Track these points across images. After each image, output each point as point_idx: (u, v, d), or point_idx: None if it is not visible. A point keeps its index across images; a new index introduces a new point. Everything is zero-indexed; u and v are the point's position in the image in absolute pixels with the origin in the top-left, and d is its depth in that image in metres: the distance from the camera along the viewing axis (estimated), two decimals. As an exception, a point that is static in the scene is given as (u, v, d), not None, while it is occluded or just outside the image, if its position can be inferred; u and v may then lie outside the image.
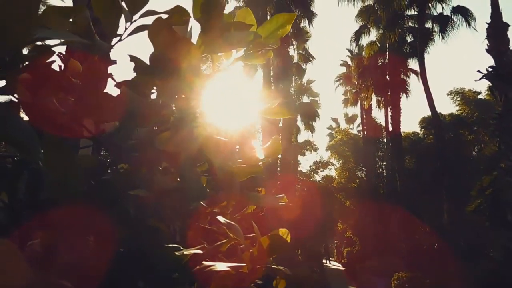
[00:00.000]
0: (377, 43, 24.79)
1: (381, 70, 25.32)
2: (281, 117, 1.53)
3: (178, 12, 1.07)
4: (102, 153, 1.34)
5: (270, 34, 1.31)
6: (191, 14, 1.22)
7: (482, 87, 39.52)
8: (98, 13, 0.93)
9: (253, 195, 1.03)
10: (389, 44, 23.56)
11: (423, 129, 26.01)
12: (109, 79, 1.03)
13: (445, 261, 14.71)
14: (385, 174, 27.80)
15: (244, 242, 0.89)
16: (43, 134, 0.89)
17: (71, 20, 0.98)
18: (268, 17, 16.98)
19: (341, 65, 33.39)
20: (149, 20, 1.02)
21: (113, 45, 0.97)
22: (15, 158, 1.03)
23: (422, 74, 20.20)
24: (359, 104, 29.95)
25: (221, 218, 0.91)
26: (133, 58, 1.14)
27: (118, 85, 1.12)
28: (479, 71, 14.86)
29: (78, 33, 0.98)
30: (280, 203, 1.03)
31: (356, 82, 28.53)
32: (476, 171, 18.88)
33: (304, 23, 24.40)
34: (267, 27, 1.30)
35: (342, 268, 28.46)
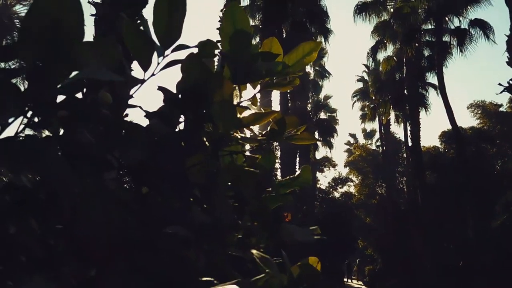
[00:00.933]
0: (394, 57, 24.69)
1: (399, 84, 25.14)
2: (308, 143, 1.53)
3: (208, 45, 1.09)
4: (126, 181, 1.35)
5: (296, 62, 1.32)
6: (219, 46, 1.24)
7: (504, 99, 38.76)
8: (131, 50, 0.95)
9: (285, 228, 1.02)
10: (406, 59, 23.43)
11: (443, 143, 25.60)
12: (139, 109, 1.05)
13: (471, 279, 14.28)
14: (405, 190, 27.35)
15: (278, 275, 0.88)
16: (79, 168, 0.91)
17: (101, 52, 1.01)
18: (284, 35, 17.01)
19: (358, 80, 33.36)
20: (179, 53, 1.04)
21: (146, 80, 0.99)
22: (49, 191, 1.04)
23: (441, 88, 19.98)
24: (377, 119, 29.73)
25: (254, 252, 0.90)
26: (162, 89, 1.16)
27: (148, 115, 1.14)
28: (500, 84, 14.64)
29: (110, 66, 1.00)
30: (314, 237, 1.02)
31: (373, 97, 28.36)
32: (500, 185, 18.42)
33: (320, 40, 24.50)
34: (294, 55, 1.31)
35: (363, 287, 27.88)
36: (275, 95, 22.56)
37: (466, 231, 18.89)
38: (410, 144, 23.88)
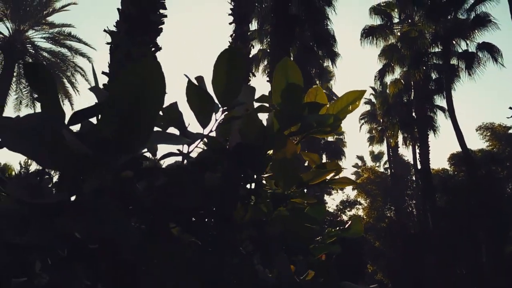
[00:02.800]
0: (402, 80, 24.78)
1: (407, 107, 25.16)
2: (347, 186, 1.52)
3: (263, 101, 1.11)
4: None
5: (341, 110, 1.33)
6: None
7: (512, 121, 38.52)
8: (193, 108, 0.96)
9: (346, 286, 1.00)
10: (414, 82, 23.51)
11: (452, 166, 25.39)
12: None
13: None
14: (415, 213, 27.02)
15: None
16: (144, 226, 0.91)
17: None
18: (292, 58, 17.11)
19: (365, 103, 33.45)
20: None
21: (205, 136, 0.99)
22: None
23: (450, 111, 19.95)
24: (385, 141, 29.66)
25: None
26: (213, 141, 1.17)
27: (199, 167, 1.15)
28: (511, 108, 14.60)
29: (170, 125, 1.01)
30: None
31: (381, 120, 28.35)
32: (513, 209, 18.15)
33: (327, 63, 24.69)
34: (339, 104, 1.32)
35: (374, 313, 27.23)
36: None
37: (479, 255, 18.54)
38: (419, 166, 23.72)
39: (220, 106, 1.00)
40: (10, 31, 22.91)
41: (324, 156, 28.81)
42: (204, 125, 1.00)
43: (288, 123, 1.16)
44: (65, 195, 0.70)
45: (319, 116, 1.16)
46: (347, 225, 1.21)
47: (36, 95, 0.78)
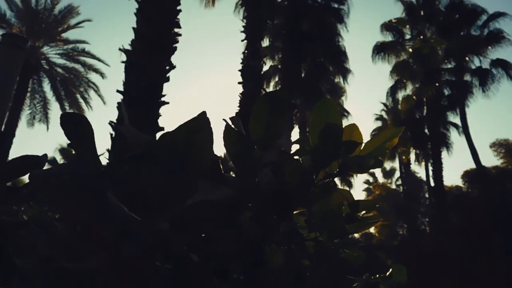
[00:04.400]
0: (414, 96, 24.65)
1: (419, 123, 24.97)
2: (379, 223, 1.45)
3: (301, 142, 1.06)
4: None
5: (377, 148, 1.27)
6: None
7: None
8: (230, 154, 0.91)
9: None
10: (427, 98, 23.38)
11: (466, 183, 25.06)
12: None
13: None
14: (428, 230, 26.60)
15: None
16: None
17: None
18: (303, 75, 17.07)
19: (377, 119, 33.31)
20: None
21: (246, 180, 0.94)
22: None
23: (464, 127, 19.76)
24: (397, 158, 29.39)
25: None
26: (249, 186, 1.11)
27: (230, 216, 1.09)
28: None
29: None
30: None
31: (393, 136, 28.11)
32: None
33: (338, 79, 24.69)
34: (375, 141, 1.26)
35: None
36: (294, 134, 22.49)
37: (495, 275, 18.11)
38: (432, 183, 23.42)
39: (259, 151, 0.95)
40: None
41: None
42: (241, 170, 0.94)
43: (325, 164, 1.10)
44: (102, 259, 0.65)
45: (360, 157, 1.10)
46: (388, 273, 1.14)
47: (71, 144, 0.73)
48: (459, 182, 26.00)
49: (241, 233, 1.00)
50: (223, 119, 0.87)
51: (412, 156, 26.89)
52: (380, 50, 23.87)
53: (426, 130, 24.54)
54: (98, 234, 0.64)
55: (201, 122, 0.65)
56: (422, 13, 23.25)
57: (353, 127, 1.28)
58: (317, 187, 1.10)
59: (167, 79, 6.94)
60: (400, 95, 25.43)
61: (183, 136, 0.65)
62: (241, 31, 15.40)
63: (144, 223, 0.62)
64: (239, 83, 14.48)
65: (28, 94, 23.80)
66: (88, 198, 0.69)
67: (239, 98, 14.22)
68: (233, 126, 0.94)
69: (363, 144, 1.28)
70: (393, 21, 24.23)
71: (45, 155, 1.06)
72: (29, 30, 23.34)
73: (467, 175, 24.51)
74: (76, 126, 0.70)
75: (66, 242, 0.71)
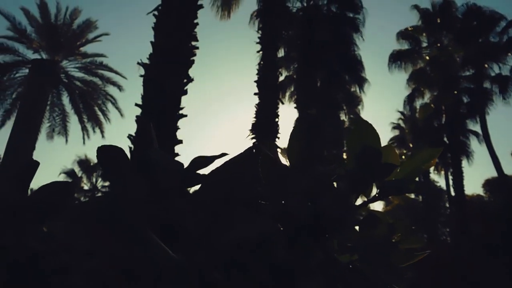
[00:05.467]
0: (432, 104, 24.34)
1: (438, 132, 24.60)
2: (415, 246, 1.40)
3: (337, 166, 1.01)
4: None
5: (415, 169, 1.22)
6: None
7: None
8: (265, 179, 0.87)
9: None
10: (445, 106, 23.06)
11: (488, 192, 24.52)
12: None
13: None
14: (449, 241, 26.06)
15: None
16: None
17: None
18: (318, 84, 16.94)
19: (394, 127, 32.91)
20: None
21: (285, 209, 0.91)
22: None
23: (485, 135, 19.40)
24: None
25: None
26: (285, 213, 1.07)
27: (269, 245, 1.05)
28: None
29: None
30: None
31: (411, 145, 27.79)
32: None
33: (354, 88, 24.53)
34: (412, 162, 1.20)
35: None
36: (311, 144, 22.37)
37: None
38: (452, 193, 22.99)
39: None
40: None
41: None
42: (277, 196, 0.90)
43: (363, 188, 1.06)
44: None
45: (401, 182, 1.05)
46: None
47: (106, 176, 0.70)
48: (480, 191, 25.42)
49: (275, 262, 0.96)
50: (259, 145, 0.83)
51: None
52: (396, 58, 23.68)
53: (445, 139, 24.16)
54: (137, 273, 0.61)
55: (248, 158, 0.61)
56: (438, 20, 23.03)
57: (389, 149, 1.23)
58: (353, 212, 1.05)
59: (185, 92, 6.97)
60: (418, 103, 25.16)
61: (229, 171, 0.62)
62: (257, 42, 15.47)
63: (185, 264, 0.58)
64: (255, 94, 14.51)
65: (48, 108, 24.21)
66: (126, 234, 0.66)
67: (255, 109, 14.23)
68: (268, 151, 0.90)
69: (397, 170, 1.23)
70: (409, 29, 24.05)
71: (74, 182, 1.03)
72: (49, 44, 23.83)
73: (488, 184, 23.99)
74: (113, 159, 0.67)
75: (101, 280, 0.68)
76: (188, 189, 0.85)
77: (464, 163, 23.05)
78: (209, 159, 0.88)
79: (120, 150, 0.69)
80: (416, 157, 1.22)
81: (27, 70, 23.53)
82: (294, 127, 0.88)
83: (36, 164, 0.94)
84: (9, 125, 23.64)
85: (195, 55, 7.33)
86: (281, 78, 23.31)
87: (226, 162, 0.65)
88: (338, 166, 1.00)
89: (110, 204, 0.70)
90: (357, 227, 1.17)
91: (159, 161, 0.92)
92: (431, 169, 27.32)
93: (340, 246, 1.08)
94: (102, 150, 0.68)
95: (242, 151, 0.64)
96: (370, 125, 1.01)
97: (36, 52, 23.73)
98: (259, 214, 0.81)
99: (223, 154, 0.88)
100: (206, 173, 0.92)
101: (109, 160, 0.68)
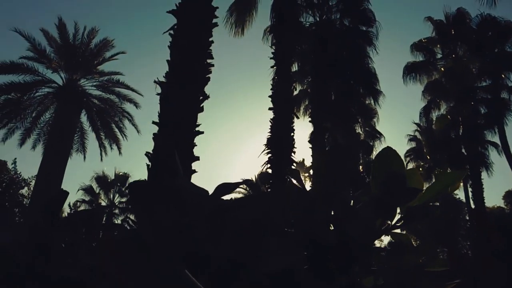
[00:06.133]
0: (448, 116, 24.06)
1: (455, 143, 24.26)
2: (440, 269, 1.38)
3: (362, 193, 1.02)
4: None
5: (439, 191, 1.22)
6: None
7: None
8: (293, 210, 0.88)
9: None
10: (462, 117, 22.78)
11: (508, 204, 23.98)
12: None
13: None
14: (470, 255, 25.46)
15: None
16: None
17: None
18: (333, 97, 16.91)
19: (410, 139, 32.55)
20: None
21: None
22: None
23: (504, 146, 19.06)
24: (433, 179, 28.51)
25: None
26: (312, 240, 1.07)
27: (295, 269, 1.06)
28: None
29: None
30: None
31: (428, 157, 27.43)
32: None
33: (369, 101, 24.41)
34: (437, 185, 1.20)
35: None
36: (327, 158, 22.24)
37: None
38: (472, 205, 22.53)
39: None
40: (64, 80, 24.33)
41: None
42: (304, 224, 0.91)
43: (389, 214, 1.06)
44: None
45: (426, 208, 1.05)
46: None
47: (136, 212, 0.72)
48: (500, 202, 24.87)
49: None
50: (286, 176, 0.84)
51: (450, 177, 25.98)
52: (411, 70, 23.56)
53: (463, 150, 23.81)
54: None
55: (278, 195, 0.62)
56: (453, 32, 22.91)
57: (413, 172, 1.23)
58: (378, 238, 1.05)
59: (201, 109, 7.03)
60: (434, 115, 24.91)
61: (257, 201, 0.63)
62: (270, 58, 15.55)
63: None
64: (269, 109, 14.54)
65: (52, 117, 24.60)
66: (158, 267, 0.67)
67: (270, 124, 14.24)
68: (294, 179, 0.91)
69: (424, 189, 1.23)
70: (423, 41, 23.95)
71: (102, 210, 1.05)
72: (67, 64, 24.38)
73: (509, 196, 23.50)
74: (144, 195, 0.69)
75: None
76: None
77: (484, 174, 22.65)
78: (233, 186, 0.89)
79: (152, 185, 0.71)
80: (441, 180, 1.22)
81: (46, 90, 24.09)
82: (318, 159, 0.89)
83: (65, 194, 0.96)
84: (29, 143, 24.14)
85: (210, 72, 7.41)
86: (295, 92, 23.38)
87: (253, 195, 0.66)
88: (363, 192, 1.00)
89: (141, 237, 0.72)
90: (381, 252, 1.16)
91: (186, 189, 0.94)
92: (450, 181, 26.84)
93: (363, 269, 1.08)
94: (133, 186, 0.70)
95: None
96: (394, 151, 1.01)
97: (55, 71, 24.28)
98: (287, 242, 0.82)
99: (246, 181, 0.88)
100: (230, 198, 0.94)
101: (139, 196, 0.70)
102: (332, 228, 0.94)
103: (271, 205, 0.67)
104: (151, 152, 6.59)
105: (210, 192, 1.00)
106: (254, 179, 41.94)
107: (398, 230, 1.12)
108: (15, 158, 23.19)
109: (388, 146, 1.03)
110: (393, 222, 1.16)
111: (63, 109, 23.24)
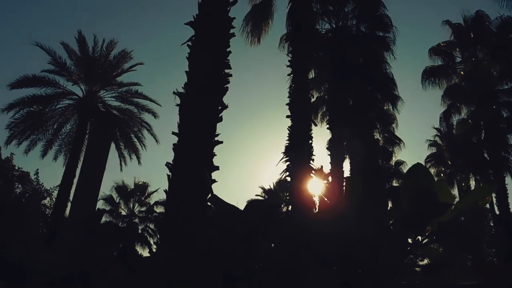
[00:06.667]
0: (469, 120, 23.64)
1: (477, 148, 23.78)
2: (468, 283, 1.35)
3: (392, 209, 1.02)
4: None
5: (470, 205, 1.20)
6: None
7: None
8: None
9: None
10: (484, 121, 22.35)
11: (534, 209, 23.30)
12: None
13: None
14: (496, 262, 24.82)
15: None
16: None
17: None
18: (351, 102, 16.78)
19: (430, 145, 32.07)
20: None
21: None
22: None
23: (527, 150, 18.59)
24: (455, 185, 27.98)
25: None
26: (342, 256, 1.07)
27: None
28: None
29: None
30: None
31: (449, 162, 26.95)
32: None
33: (387, 106, 24.17)
34: (468, 200, 1.19)
35: None
36: (345, 165, 22.09)
37: None
38: (497, 211, 22.01)
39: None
40: (84, 92, 24.80)
41: (390, 202, 27.57)
42: (338, 243, 0.91)
43: (420, 230, 1.04)
44: None
45: (459, 223, 1.03)
46: None
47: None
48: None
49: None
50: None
51: (472, 183, 25.52)
52: (429, 75, 23.28)
53: (485, 155, 23.32)
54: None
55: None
56: (472, 35, 22.59)
57: (441, 186, 1.21)
58: (410, 254, 1.04)
59: (220, 119, 7.08)
60: (454, 119, 24.51)
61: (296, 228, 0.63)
62: (287, 66, 15.56)
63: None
64: (287, 116, 14.52)
65: (87, 136, 25.05)
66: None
67: (288, 132, 14.22)
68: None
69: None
70: (442, 45, 23.67)
71: (136, 226, 1.07)
72: (87, 76, 24.86)
73: (534, 201, 22.79)
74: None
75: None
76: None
77: (508, 179, 22.11)
78: (262, 203, 0.89)
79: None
80: (471, 194, 1.20)
81: (67, 101, 24.59)
82: (352, 174, 0.89)
83: (102, 213, 0.98)
84: (50, 154, 24.61)
85: (228, 82, 7.46)
86: (313, 99, 23.30)
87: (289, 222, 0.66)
88: (395, 209, 0.99)
89: (177, 267, 0.72)
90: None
91: (217, 207, 0.95)
92: (472, 186, 26.33)
93: (392, 283, 1.07)
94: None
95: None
96: (424, 167, 1.00)
97: (75, 83, 24.77)
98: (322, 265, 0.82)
99: (278, 202, 0.88)
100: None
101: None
102: (366, 245, 0.93)
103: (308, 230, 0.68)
104: (171, 162, 6.65)
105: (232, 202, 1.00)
106: (272, 186, 41.83)
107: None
108: (37, 169, 23.59)
109: (418, 163, 1.02)
110: (423, 237, 1.15)
111: (84, 120, 23.69)
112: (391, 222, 0.98)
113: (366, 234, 0.90)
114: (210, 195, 0.88)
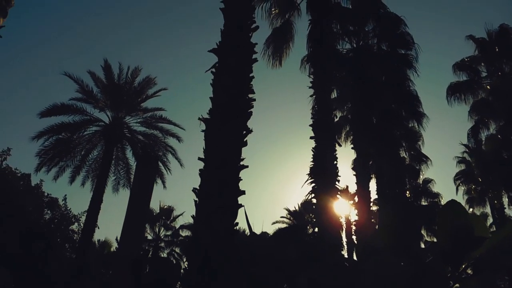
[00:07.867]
0: (499, 135, 23.06)
1: (509, 164, 23.09)
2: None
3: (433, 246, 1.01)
4: None
5: (506, 238, 1.18)
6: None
7: None
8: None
9: None
10: (514, 136, 21.78)
11: None
12: None
13: None
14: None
15: None
16: None
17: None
18: (374, 121, 16.59)
19: (459, 162, 31.29)
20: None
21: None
22: None
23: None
24: (487, 203, 27.14)
25: None
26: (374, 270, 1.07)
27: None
28: None
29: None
30: None
31: (480, 180, 26.21)
32: None
33: (412, 124, 23.85)
34: (501, 234, 1.17)
35: None
36: (372, 185, 21.76)
37: None
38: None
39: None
40: (110, 118, 25.40)
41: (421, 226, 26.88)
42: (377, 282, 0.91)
43: (458, 265, 1.03)
44: None
45: (496, 258, 1.02)
46: None
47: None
48: None
49: None
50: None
51: (505, 200, 24.69)
52: (455, 90, 22.95)
53: (518, 171, 22.62)
54: None
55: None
56: (497, 49, 22.24)
57: (477, 220, 1.20)
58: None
59: (245, 144, 7.13)
60: (483, 135, 23.96)
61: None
62: (309, 87, 15.59)
63: None
64: (311, 137, 14.48)
65: (113, 161, 25.55)
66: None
67: (312, 153, 14.15)
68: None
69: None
70: (466, 60, 23.36)
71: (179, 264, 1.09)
72: (113, 103, 25.50)
73: None
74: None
75: None
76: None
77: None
78: (289, 230, 0.90)
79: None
80: (504, 229, 1.18)
81: (94, 128, 25.21)
82: (387, 210, 0.90)
83: (147, 253, 1.00)
84: (78, 180, 25.13)
85: (252, 107, 7.53)
86: (336, 119, 23.21)
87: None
88: (432, 246, 0.99)
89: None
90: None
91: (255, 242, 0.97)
92: (506, 203, 25.47)
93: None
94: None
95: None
96: (458, 203, 1.00)
97: (101, 110, 25.42)
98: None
99: (303, 229, 0.89)
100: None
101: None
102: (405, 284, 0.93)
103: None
104: (197, 188, 6.71)
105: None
106: (297, 208, 41.44)
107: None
108: (65, 195, 24.12)
109: (452, 199, 1.02)
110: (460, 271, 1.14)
111: (110, 146, 24.21)
112: (430, 259, 0.97)
113: (407, 272, 0.90)
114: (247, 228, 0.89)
